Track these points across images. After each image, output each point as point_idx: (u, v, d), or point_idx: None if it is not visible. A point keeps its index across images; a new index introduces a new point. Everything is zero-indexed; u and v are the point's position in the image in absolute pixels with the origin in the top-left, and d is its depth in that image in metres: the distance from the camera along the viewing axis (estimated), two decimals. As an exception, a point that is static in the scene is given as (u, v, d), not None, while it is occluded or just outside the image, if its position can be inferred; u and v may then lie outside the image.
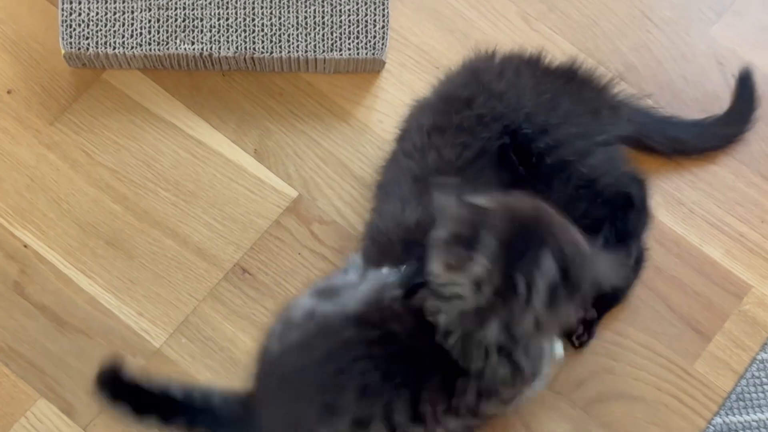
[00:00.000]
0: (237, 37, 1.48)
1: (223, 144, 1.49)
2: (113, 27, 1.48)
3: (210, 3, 1.49)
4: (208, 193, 1.47)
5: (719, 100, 1.52)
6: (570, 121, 1.35)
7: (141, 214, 1.45)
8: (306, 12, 1.49)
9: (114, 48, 1.47)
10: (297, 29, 1.49)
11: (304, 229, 1.46)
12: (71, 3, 1.48)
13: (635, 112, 1.44)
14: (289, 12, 1.49)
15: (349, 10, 1.50)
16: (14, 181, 1.46)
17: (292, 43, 1.49)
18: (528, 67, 1.39)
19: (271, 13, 1.49)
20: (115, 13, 1.48)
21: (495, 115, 1.33)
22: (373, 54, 1.49)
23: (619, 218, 1.38)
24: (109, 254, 1.43)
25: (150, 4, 1.48)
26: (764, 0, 1.58)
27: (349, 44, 1.49)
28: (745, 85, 1.52)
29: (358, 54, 1.49)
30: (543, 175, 1.33)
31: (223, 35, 1.48)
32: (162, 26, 1.48)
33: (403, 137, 1.40)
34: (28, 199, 1.45)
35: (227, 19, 1.49)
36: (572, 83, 1.39)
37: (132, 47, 1.47)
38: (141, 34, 1.48)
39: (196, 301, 1.41)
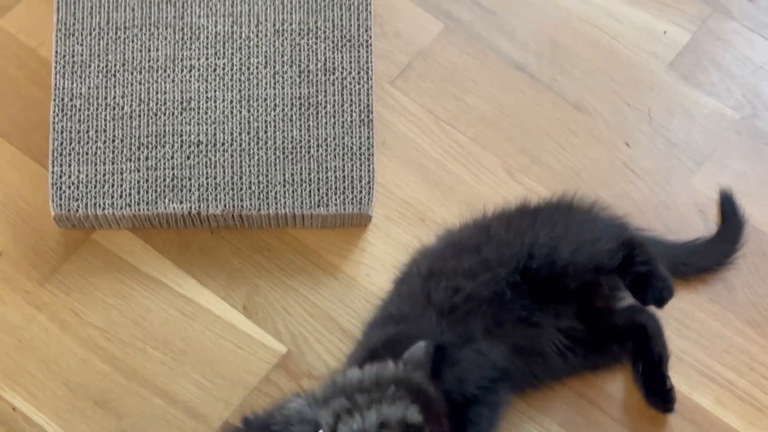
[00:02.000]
0: (225, 195, 1.51)
1: (212, 301, 1.50)
2: (102, 188, 1.50)
3: (198, 162, 1.51)
4: (197, 350, 1.47)
5: (702, 248, 1.54)
6: (578, 251, 1.39)
7: (130, 373, 1.45)
8: (293, 169, 1.52)
9: (103, 209, 1.49)
10: (284, 186, 1.51)
11: (294, 384, 1.45)
12: (61, 165, 1.50)
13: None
14: (276, 169, 1.52)
15: (335, 166, 1.52)
16: (2, 342, 1.46)
17: (279, 200, 1.51)
18: (531, 212, 1.46)
19: (258, 170, 1.51)
20: (104, 175, 1.50)
21: (503, 259, 1.39)
22: (360, 209, 1.51)
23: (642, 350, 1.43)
24: (98, 415, 1.43)
25: (139, 165, 1.51)
26: (742, 149, 1.61)
27: (336, 200, 1.52)
28: (727, 204, 1.55)
29: (344, 209, 1.51)
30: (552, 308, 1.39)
31: (211, 193, 1.51)
32: (151, 186, 1.50)
33: (400, 279, 1.45)
34: (17, 361, 1.45)
35: (215, 178, 1.51)
36: (572, 212, 1.46)
37: (121, 208, 1.49)
38: (130, 194, 1.50)
39: (186, 459, 1.41)
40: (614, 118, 1.62)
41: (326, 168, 1.52)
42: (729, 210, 1.55)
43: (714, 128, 1.62)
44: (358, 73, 1.56)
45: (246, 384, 1.45)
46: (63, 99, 1.52)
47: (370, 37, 1.56)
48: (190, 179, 1.51)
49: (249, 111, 1.53)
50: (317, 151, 1.53)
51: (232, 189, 1.51)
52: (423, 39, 1.67)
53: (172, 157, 1.51)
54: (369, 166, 1.53)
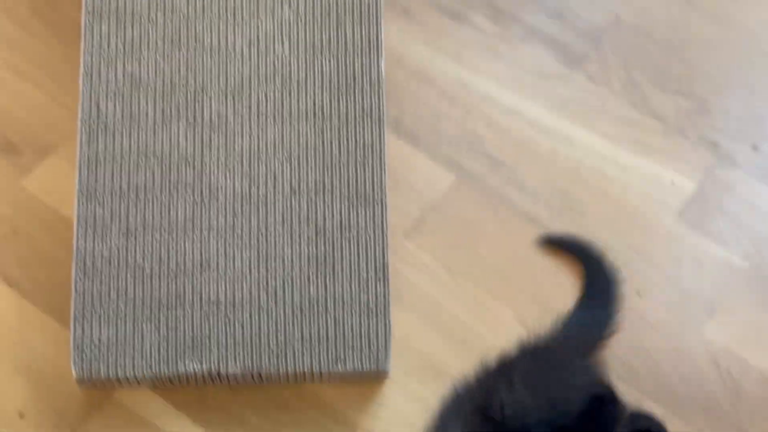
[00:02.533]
0: (244, 353, 1.53)
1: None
2: (123, 349, 1.52)
3: (217, 321, 1.54)
4: None
5: (717, 398, 1.55)
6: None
7: None
8: (310, 327, 1.54)
9: (125, 371, 1.51)
10: (302, 344, 1.53)
11: None
12: (83, 327, 1.53)
13: None
14: (294, 327, 1.54)
15: (351, 323, 1.55)
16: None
17: (298, 358, 1.53)
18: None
19: (276, 329, 1.54)
20: (125, 336, 1.53)
21: None
22: (377, 366, 1.53)
23: None
24: None
25: (159, 325, 1.53)
26: (752, 298, 1.63)
27: (353, 357, 1.54)
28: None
29: (361, 367, 1.53)
30: None
31: (230, 352, 1.53)
32: (171, 346, 1.52)
33: None
34: None
35: (234, 337, 1.53)
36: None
37: (142, 369, 1.51)
38: (151, 355, 1.52)
39: None
40: (625, 268, 1.65)
41: (343, 325, 1.55)
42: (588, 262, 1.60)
43: (723, 277, 1.65)
44: (374, 230, 1.59)
45: None
46: (85, 261, 1.55)
47: (385, 195, 1.60)
48: (209, 338, 1.53)
49: (267, 270, 1.56)
50: (334, 308, 1.55)
51: (251, 347, 1.53)
52: (435, 191, 1.71)
53: (192, 317, 1.54)
54: (385, 322, 1.55)
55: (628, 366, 1.58)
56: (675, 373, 1.58)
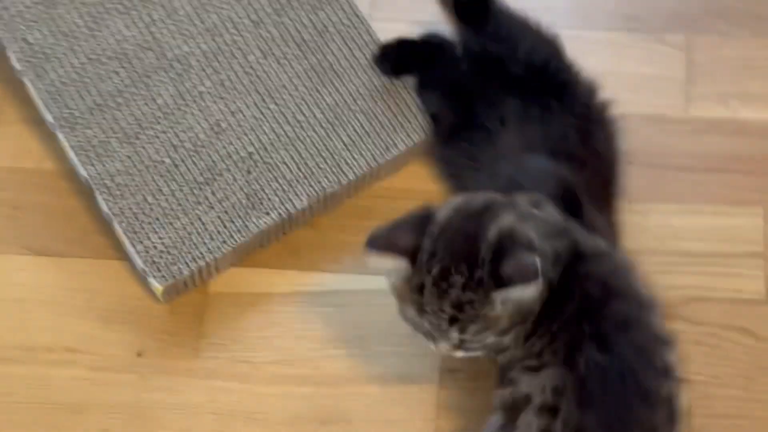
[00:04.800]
0: (301, 187, 1.47)
1: (356, 280, 1.47)
2: (191, 241, 1.43)
3: (260, 170, 1.47)
4: (377, 329, 1.45)
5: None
6: None
7: (331, 380, 1.41)
8: (347, 132, 1.49)
9: (204, 258, 1.43)
10: (349, 150, 1.49)
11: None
12: (142, 243, 1.43)
13: None
14: (332, 140, 1.49)
15: (380, 109, 1.51)
16: (201, 422, 1.39)
17: (351, 165, 1.49)
18: None
19: (317, 150, 1.48)
20: (185, 228, 1.44)
21: None
22: (424, 134, 1.51)
23: None
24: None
25: (210, 202, 1.45)
26: None
27: (398, 138, 1.50)
28: None
29: (412, 142, 1.50)
30: None
31: (288, 192, 1.47)
32: (233, 216, 1.45)
33: None
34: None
35: (284, 176, 1.47)
36: None
37: (218, 247, 1.44)
38: (218, 231, 1.44)
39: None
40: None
41: (374, 115, 1.51)
42: None
43: None
44: (349, 18, 1.55)
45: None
46: (105, 184, 1.45)
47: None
48: (263, 189, 1.46)
49: (276, 104, 1.50)
50: (356, 104, 1.51)
51: (305, 178, 1.47)
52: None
53: (235, 180, 1.46)
54: (410, 96, 1.52)
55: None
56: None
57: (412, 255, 1.22)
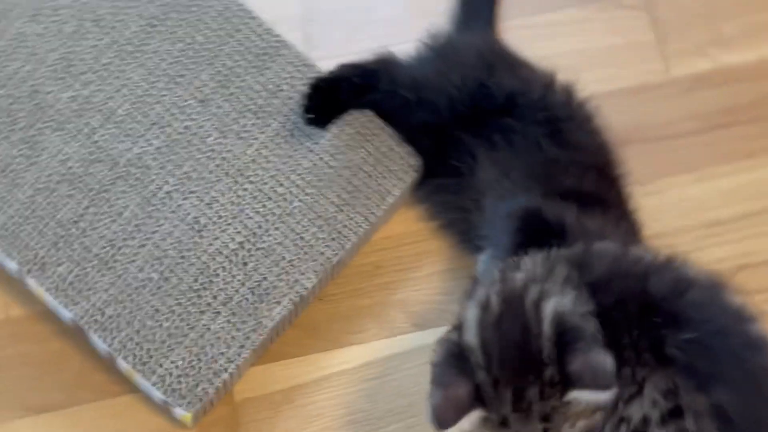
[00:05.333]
0: (306, 264, 1.35)
1: (383, 346, 1.37)
2: (207, 356, 1.30)
3: (255, 261, 1.34)
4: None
5: None
6: None
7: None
8: (335, 196, 1.38)
9: (226, 370, 1.30)
10: (343, 211, 1.37)
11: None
12: (154, 372, 1.29)
13: None
14: (323, 203, 1.37)
15: (364, 159, 1.40)
16: None
17: (351, 227, 1.37)
18: None
19: (310, 220, 1.36)
20: (197, 344, 1.30)
21: None
22: (416, 170, 1.40)
23: None
24: None
25: (217, 309, 1.32)
26: None
27: (392, 183, 1.39)
28: None
29: (407, 180, 1.40)
30: None
31: (294, 273, 1.34)
32: (244, 316, 1.32)
33: None
34: None
35: (284, 258, 1.35)
36: None
37: (238, 354, 1.31)
38: (234, 338, 1.31)
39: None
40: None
41: (357, 165, 1.39)
42: None
43: None
44: (298, 70, 1.42)
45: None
46: (94, 318, 1.30)
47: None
48: (265, 278, 1.34)
49: (251, 182, 1.37)
50: (335, 160, 1.39)
51: (306, 254, 1.35)
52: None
53: (233, 276, 1.33)
54: (385, 131, 1.41)
55: None
56: None
57: (479, 398, 1.09)
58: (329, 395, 1.34)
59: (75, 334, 1.34)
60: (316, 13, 1.57)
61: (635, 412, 1.11)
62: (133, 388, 1.33)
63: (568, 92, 1.38)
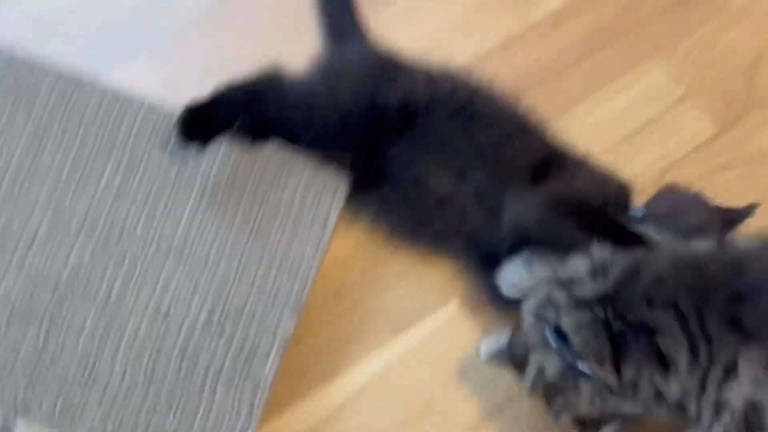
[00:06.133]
0: (279, 308, 1.33)
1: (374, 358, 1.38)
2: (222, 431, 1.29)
3: (235, 323, 1.32)
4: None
5: None
6: None
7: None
8: (279, 230, 1.37)
9: None
10: (293, 248, 1.37)
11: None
12: None
13: None
14: (274, 245, 1.36)
15: (292, 192, 1.39)
16: None
17: (304, 260, 1.36)
18: None
19: (267, 265, 1.35)
20: (208, 421, 1.28)
21: None
22: (343, 185, 1.40)
23: None
24: None
25: (212, 387, 1.29)
26: None
27: (327, 208, 1.39)
28: None
29: (340, 204, 1.40)
30: None
31: (273, 321, 1.33)
32: (240, 381, 1.30)
33: None
34: None
35: (257, 312, 1.33)
36: None
37: (249, 419, 1.28)
38: (239, 403, 1.29)
39: None
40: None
41: (287, 202, 1.38)
42: None
43: None
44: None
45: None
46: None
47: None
48: (247, 338, 1.31)
49: (191, 254, 1.34)
50: (263, 207, 1.37)
51: (276, 297, 1.33)
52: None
53: (216, 348, 1.30)
54: (302, 158, 1.41)
55: None
56: None
57: None
58: (350, 424, 1.34)
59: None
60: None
61: (735, 398, 1.12)
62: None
63: (451, 76, 1.40)
